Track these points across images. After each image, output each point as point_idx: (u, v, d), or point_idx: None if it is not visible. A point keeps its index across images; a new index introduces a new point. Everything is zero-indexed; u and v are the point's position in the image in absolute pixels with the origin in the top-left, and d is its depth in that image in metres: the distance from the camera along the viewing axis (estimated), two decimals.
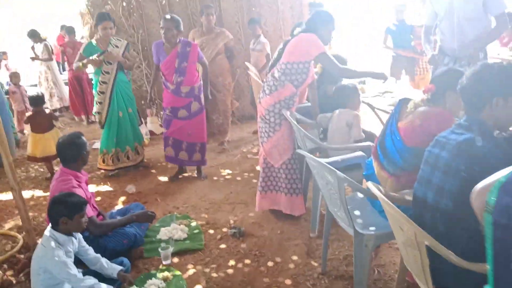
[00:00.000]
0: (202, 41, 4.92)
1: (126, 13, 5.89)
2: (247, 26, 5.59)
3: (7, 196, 4.30)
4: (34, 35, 7.44)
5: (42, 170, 4.92)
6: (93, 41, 4.29)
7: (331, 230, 2.70)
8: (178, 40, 3.90)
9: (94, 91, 4.40)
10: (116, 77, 4.26)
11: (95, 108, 4.40)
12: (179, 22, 3.88)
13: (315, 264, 2.73)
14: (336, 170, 2.04)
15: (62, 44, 8.01)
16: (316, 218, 3.02)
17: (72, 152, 2.85)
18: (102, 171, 4.57)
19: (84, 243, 2.53)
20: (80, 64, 4.17)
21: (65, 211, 2.29)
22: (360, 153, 2.67)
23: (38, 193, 4.31)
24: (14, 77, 6.61)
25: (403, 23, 5.91)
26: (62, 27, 8.73)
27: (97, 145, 5.79)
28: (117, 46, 4.27)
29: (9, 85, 6.93)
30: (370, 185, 1.87)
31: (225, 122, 5.33)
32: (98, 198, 4.05)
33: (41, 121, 4.54)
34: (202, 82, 4.16)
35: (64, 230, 2.33)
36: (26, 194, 4.33)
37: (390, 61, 6.10)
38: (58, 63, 7.49)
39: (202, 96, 4.15)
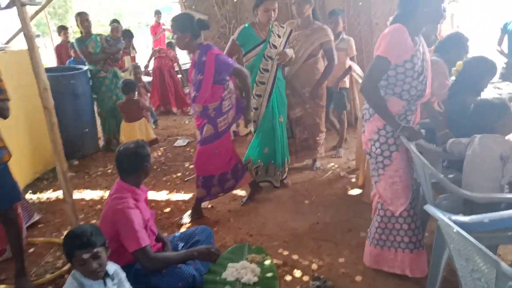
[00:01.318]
0: (294, 37, 3.76)
1: (219, 1, 5.40)
2: (328, 19, 4.36)
3: (84, 194, 4.08)
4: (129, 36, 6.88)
5: None
6: (248, 25, 3.46)
7: None
8: (197, 46, 3.02)
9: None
10: (276, 75, 3.48)
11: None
12: (183, 21, 2.97)
13: None
14: (501, 263, 1.21)
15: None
16: (435, 284, 2.18)
17: (133, 164, 2.34)
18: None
19: (127, 286, 2.01)
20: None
21: (65, 251, 1.80)
22: None
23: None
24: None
25: None
26: (156, 11, 8.75)
27: (180, 142, 5.45)
28: (279, 36, 3.46)
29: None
30: None
31: (311, 138, 4.09)
32: (167, 210, 3.59)
33: (132, 110, 4.50)
34: (230, 101, 3.16)
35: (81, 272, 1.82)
36: (94, 194, 4.06)
37: (500, 71, 4.30)
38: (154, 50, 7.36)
39: (223, 119, 3.14)
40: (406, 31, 2.13)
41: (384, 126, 2.26)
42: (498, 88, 3.37)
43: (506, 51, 4.67)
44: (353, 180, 3.97)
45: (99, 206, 3.75)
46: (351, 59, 4.34)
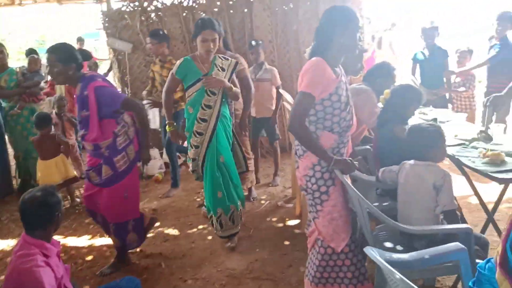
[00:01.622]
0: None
1: (144, 29, 5.19)
2: (248, 50, 4.33)
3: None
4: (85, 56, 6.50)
5: None
6: (189, 58, 3.11)
7: None
8: (79, 78, 2.71)
9: (186, 131, 3.18)
10: (220, 112, 3.08)
11: (189, 153, 3.18)
12: (66, 51, 2.66)
13: None
14: None
15: None
16: None
17: (40, 216, 2.01)
18: None
19: None
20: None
21: None
22: (457, 245, 1.72)
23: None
24: None
25: (435, 50, 4.61)
26: (79, 39, 8.24)
27: None
28: (222, 69, 3.12)
29: None
30: None
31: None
32: (89, 257, 3.22)
33: (48, 146, 4.17)
34: (125, 136, 2.81)
35: None
36: (4, 244, 3.57)
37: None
38: None
39: (120, 157, 2.78)
40: (326, 64, 2.08)
41: (319, 161, 2.17)
42: (424, 114, 3.47)
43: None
44: (291, 209, 3.88)
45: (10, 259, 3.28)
46: (277, 89, 4.28)
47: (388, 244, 2.25)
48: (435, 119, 3.24)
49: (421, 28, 4.61)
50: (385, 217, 1.94)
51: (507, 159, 2.26)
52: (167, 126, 3.32)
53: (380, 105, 2.96)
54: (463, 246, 1.72)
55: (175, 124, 3.36)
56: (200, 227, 3.63)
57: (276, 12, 5.18)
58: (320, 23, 2.14)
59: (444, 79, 4.63)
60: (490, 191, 3.07)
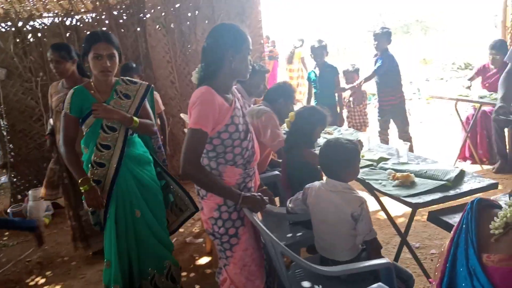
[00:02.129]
0: (59, 99, 3.02)
1: (20, 52, 4.52)
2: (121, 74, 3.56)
3: None
4: None
5: None
6: (81, 87, 2.38)
7: None
8: None
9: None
10: (122, 153, 2.34)
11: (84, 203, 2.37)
12: None
13: None
14: None
15: None
16: None
17: None
18: None
19: None
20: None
21: None
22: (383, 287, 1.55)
23: None
24: None
25: (325, 68, 4.60)
26: None
27: None
28: (126, 96, 2.40)
29: None
30: None
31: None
32: None
33: None
34: None
35: None
36: None
37: None
38: None
39: None
40: (214, 94, 1.82)
41: (225, 201, 1.90)
42: (328, 133, 3.41)
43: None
44: (201, 245, 3.54)
45: None
46: (160, 118, 3.83)
47: (306, 284, 2.04)
48: None
49: (310, 47, 4.60)
50: (301, 260, 1.71)
51: (416, 180, 2.20)
52: (80, 185, 2.29)
53: (285, 128, 2.79)
54: (386, 287, 1.55)
55: (90, 181, 2.30)
56: None
57: (173, 30, 4.87)
58: (207, 43, 1.88)
59: (336, 96, 4.66)
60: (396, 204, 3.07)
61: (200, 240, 3.62)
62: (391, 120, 4.59)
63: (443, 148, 5.27)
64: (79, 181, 2.28)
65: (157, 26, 4.80)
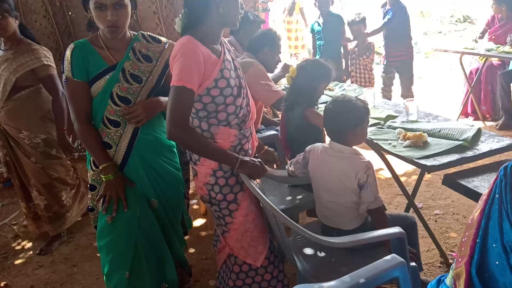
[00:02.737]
0: None
1: None
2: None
3: None
4: None
5: None
6: (85, 40, 1.81)
7: None
8: None
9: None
10: (136, 133, 1.84)
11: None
12: None
13: None
14: None
15: None
16: None
17: None
18: None
19: None
20: None
21: None
22: (394, 259, 1.40)
23: None
24: None
25: (330, 18, 4.30)
26: None
27: None
28: (147, 58, 1.83)
29: None
30: None
31: (52, 204, 2.90)
32: None
33: None
34: None
35: None
36: None
37: None
38: None
39: None
40: (198, 44, 1.58)
41: (220, 166, 1.71)
42: (330, 89, 3.18)
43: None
44: (195, 206, 3.40)
45: None
46: None
47: (308, 251, 1.91)
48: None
49: None
50: (305, 231, 1.54)
51: (429, 139, 2.02)
52: (102, 173, 1.80)
53: (285, 85, 2.57)
54: (401, 259, 1.40)
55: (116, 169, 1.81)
56: None
57: None
58: None
59: (342, 48, 4.42)
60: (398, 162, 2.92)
61: (194, 201, 3.47)
62: (396, 77, 4.37)
63: (444, 104, 5.09)
64: (101, 167, 1.77)
65: None
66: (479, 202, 1.17)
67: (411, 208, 2.31)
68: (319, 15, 4.35)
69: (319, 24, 4.34)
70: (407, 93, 4.28)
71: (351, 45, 4.52)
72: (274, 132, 2.73)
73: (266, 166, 1.75)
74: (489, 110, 4.53)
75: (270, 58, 2.73)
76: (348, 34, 4.44)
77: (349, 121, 1.74)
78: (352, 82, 4.48)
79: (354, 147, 1.81)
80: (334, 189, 1.80)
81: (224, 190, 1.73)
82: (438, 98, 5.41)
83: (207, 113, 1.65)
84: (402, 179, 3.32)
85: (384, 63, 4.41)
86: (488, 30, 4.52)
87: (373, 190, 1.71)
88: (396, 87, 4.52)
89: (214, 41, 1.68)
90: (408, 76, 4.28)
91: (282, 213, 1.55)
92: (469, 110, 4.67)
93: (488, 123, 4.47)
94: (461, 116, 4.63)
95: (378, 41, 4.68)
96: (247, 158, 1.68)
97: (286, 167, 2.03)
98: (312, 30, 4.48)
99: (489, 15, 4.61)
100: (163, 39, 1.89)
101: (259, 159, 1.71)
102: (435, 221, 2.81)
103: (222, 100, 1.64)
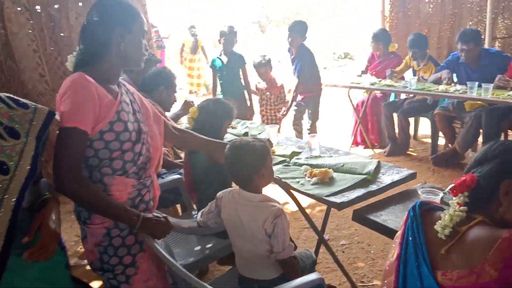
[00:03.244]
0: None
1: None
2: None
3: None
4: None
5: None
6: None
7: None
8: None
9: None
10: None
11: None
12: None
13: None
14: None
15: None
16: None
17: None
18: None
19: None
20: None
21: None
22: None
23: None
24: None
25: (233, 56, 4.22)
26: None
27: None
28: (12, 132, 1.29)
29: None
30: None
31: None
32: None
33: None
34: None
35: None
36: None
37: None
38: None
39: None
40: (91, 81, 1.41)
41: (116, 223, 1.49)
42: (232, 127, 3.13)
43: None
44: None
45: None
46: None
47: None
48: (246, 134, 2.93)
49: (220, 32, 4.19)
50: None
51: (335, 175, 2.04)
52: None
53: (187, 124, 2.45)
54: None
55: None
56: None
57: (39, 14, 4.10)
58: (88, 20, 1.47)
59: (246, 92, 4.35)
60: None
61: (84, 261, 3.08)
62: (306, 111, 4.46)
63: (337, 135, 5.40)
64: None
65: (18, 9, 3.99)
66: (393, 245, 1.16)
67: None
68: (221, 51, 4.28)
69: (221, 61, 4.26)
70: (312, 127, 4.39)
71: (260, 85, 4.49)
72: (178, 176, 2.57)
73: (173, 227, 1.57)
74: (377, 138, 4.90)
75: (166, 97, 2.68)
76: (254, 75, 4.45)
77: (251, 165, 1.65)
78: (262, 121, 4.47)
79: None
80: (246, 237, 1.68)
81: (120, 252, 1.51)
82: (331, 130, 5.73)
83: (99, 161, 1.44)
84: (307, 210, 3.36)
85: (296, 100, 4.42)
86: (369, 66, 4.97)
87: (281, 240, 1.60)
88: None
89: (111, 81, 1.51)
90: (314, 111, 4.36)
91: (193, 276, 1.37)
92: (359, 140, 5.00)
93: (377, 151, 4.82)
94: (352, 146, 4.93)
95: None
96: (150, 215, 1.50)
97: (196, 216, 1.88)
98: (213, 66, 4.36)
99: (369, 53, 5.07)
100: (29, 102, 1.38)
101: (164, 214, 1.54)
102: (343, 252, 2.86)
103: (118, 146, 1.45)
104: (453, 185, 1.07)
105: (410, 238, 1.07)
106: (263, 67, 4.28)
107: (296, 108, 4.45)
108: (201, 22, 11.39)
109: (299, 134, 4.49)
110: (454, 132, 4.17)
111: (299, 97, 4.38)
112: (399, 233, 1.14)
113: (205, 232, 2.01)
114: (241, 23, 15.99)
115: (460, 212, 1.03)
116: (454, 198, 1.08)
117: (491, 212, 1.02)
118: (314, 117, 4.39)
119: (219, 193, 1.80)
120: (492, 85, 3.45)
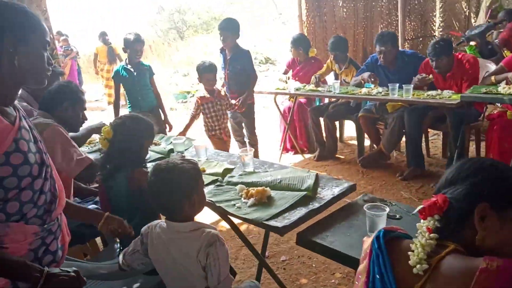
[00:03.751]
0: None
1: None
2: None
3: None
4: None
5: None
6: None
7: None
8: None
9: None
10: None
11: None
12: None
13: None
14: None
15: None
16: None
17: None
18: None
19: None
20: None
21: None
22: None
23: None
24: None
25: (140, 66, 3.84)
26: None
27: None
28: None
29: None
30: None
31: None
32: None
33: None
34: None
35: None
36: None
37: None
38: None
39: None
40: None
41: (14, 283, 1.18)
42: (155, 144, 2.82)
43: None
44: None
45: None
46: None
47: None
48: (171, 150, 2.66)
49: (124, 39, 3.71)
50: None
51: (273, 193, 1.86)
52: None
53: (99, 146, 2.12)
54: None
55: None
56: None
57: None
58: None
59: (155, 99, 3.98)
60: None
61: None
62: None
63: (267, 142, 5.28)
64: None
65: None
66: (357, 282, 1.00)
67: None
68: (126, 61, 3.81)
69: (126, 71, 3.78)
70: (251, 137, 4.13)
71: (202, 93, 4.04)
72: (93, 206, 2.23)
73: (85, 283, 1.27)
74: (306, 143, 4.87)
75: (72, 115, 2.28)
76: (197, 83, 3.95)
77: (181, 191, 1.42)
78: (209, 133, 4.04)
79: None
80: (181, 276, 1.45)
81: None
82: (260, 137, 5.58)
83: None
84: (244, 226, 3.18)
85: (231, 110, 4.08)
86: (290, 71, 4.91)
87: (215, 272, 1.39)
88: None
89: (6, 103, 1.21)
90: (250, 120, 4.08)
91: None
92: (288, 146, 4.94)
93: (307, 155, 4.79)
94: (283, 152, 4.85)
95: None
96: (56, 270, 1.20)
97: (119, 257, 1.59)
98: (118, 77, 3.82)
99: (290, 58, 5.03)
100: None
101: (75, 268, 1.24)
102: (284, 269, 2.71)
103: (15, 183, 1.15)
104: (422, 206, 0.94)
105: (377, 276, 0.92)
106: (213, 72, 3.63)
107: (232, 120, 4.14)
108: (110, 28, 10.70)
109: (242, 145, 4.26)
110: (379, 133, 4.26)
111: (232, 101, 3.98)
112: (362, 269, 0.98)
113: (129, 275, 1.71)
114: (157, 29, 15.53)
115: (431, 240, 0.90)
116: (422, 221, 0.95)
117: (464, 238, 0.90)
118: (251, 127, 4.10)
119: (144, 228, 1.54)
120: (412, 86, 3.55)
